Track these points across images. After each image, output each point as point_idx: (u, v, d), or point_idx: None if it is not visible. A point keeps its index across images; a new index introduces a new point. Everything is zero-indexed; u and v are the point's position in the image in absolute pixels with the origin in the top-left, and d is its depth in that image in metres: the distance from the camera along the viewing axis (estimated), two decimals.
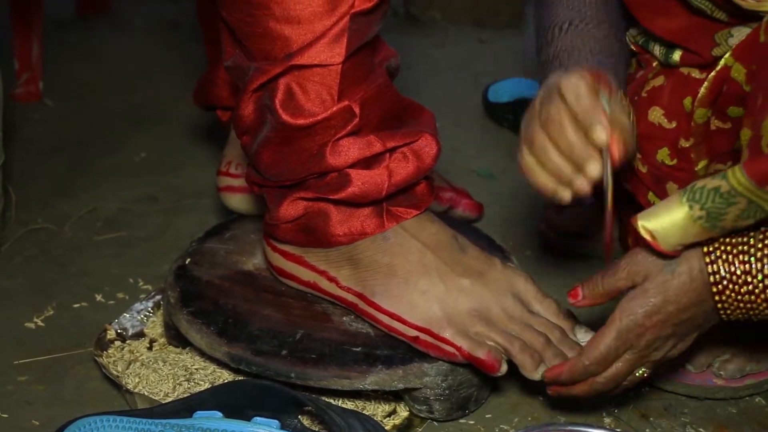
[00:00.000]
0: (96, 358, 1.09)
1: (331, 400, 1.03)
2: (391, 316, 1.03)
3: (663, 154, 1.09)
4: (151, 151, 1.71)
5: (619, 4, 1.13)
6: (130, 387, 1.05)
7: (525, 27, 2.28)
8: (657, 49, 1.10)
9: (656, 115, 1.08)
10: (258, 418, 0.95)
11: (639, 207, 1.09)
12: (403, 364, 1.01)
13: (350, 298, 1.06)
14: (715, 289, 0.89)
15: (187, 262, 1.15)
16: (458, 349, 0.99)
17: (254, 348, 1.03)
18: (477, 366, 0.99)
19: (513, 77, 1.88)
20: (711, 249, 0.89)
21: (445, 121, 1.71)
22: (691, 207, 0.87)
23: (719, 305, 0.90)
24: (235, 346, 1.03)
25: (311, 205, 1.04)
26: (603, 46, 1.08)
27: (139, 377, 1.06)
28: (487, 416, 1.05)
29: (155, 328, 1.16)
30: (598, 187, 1.13)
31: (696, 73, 1.06)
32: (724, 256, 0.89)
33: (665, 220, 0.88)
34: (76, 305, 1.24)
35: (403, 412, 1.04)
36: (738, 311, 0.90)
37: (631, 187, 1.15)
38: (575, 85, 0.92)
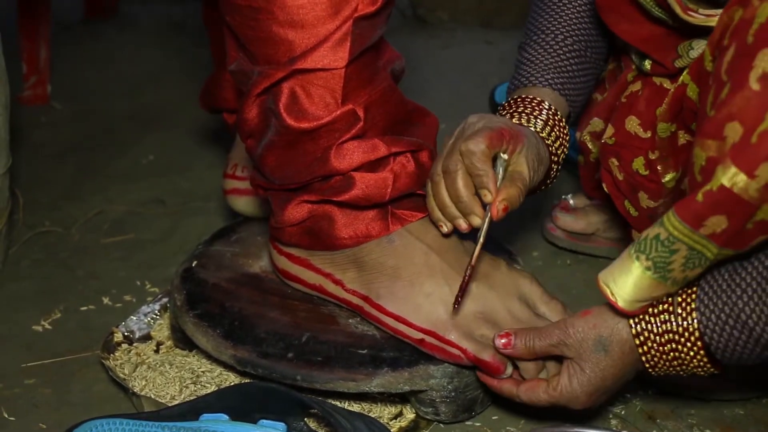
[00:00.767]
0: (103, 360, 1.10)
1: (337, 403, 1.03)
2: (397, 318, 1.03)
3: (638, 164, 1.09)
4: (158, 153, 1.71)
5: (599, 19, 1.14)
6: (136, 390, 1.05)
7: None
8: (633, 56, 1.11)
9: (632, 124, 1.09)
10: (264, 421, 0.95)
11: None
12: (409, 366, 1.01)
13: (356, 300, 1.06)
14: (637, 341, 0.91)
15: (193, 265, 1.15)
16: (464, 351, 0.99)
17: (260, 351, 1.03)
18: (482, 368, 0.99)
19: None
20: (637, 320, 0.91)
21: (452, 123, 1.70)
22: (638, 258, 0.87)
23: (644, 359, 0.92)
24: (241, 349, 1.03)
25: (316, 208, 1.04)
26: (561, 65, 1.13)
27: (146, 380, 1.07)
28: (493, 418, 1.05)
29: (162, 330, 1.16)
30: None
31: (667, 83, 1.06)
32: (647, 317, 0.90)
33: (619, 274, 0.89)
34: (83, 308, 1.24)
35: (409, 415, 1.04)
36: (663, 365, 0.92)
37: (610, 194, 1.15)
38: (471, 152, 0.97)
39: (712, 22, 0.96)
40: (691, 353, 0.89)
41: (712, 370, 0.91)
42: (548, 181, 1.11)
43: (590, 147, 1.20)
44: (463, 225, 1.01)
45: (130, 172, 1.65)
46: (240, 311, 1.08)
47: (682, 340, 0.89)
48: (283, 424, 0.95)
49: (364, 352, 1.02)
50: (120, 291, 1.28)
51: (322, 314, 1.08)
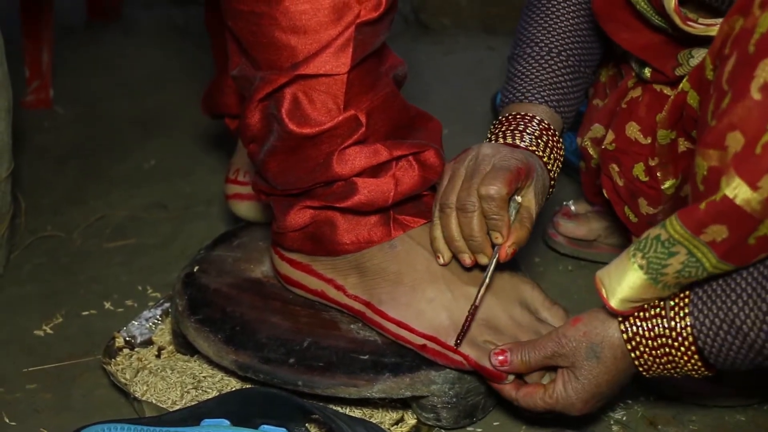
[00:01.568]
0: (104, 365, 1.10)
1: (339, 408, 1.03)
2: (399, 324, 1.03)
3: (638, 170, 1.09)
4: (160, 158, 1.71)
5: (594, 31, 1.14)
6: (138, 395, 1.05)
7: None
8: (633, 63, 1.11)
9: (633, 130, 1.09)
10: (265, 427, 0.95)
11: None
12: (411, 371, 1.01)
13: (357, 306, 1.06)
14: (629, 346, 0.91)
15: (195, 270, 1.15)
16: (465, 357, 0.99)
17: (262, 356, 1.03)
18: (484, 375, 0.99)
19: None
20: (628, 324, 0.91)
21: (454, 128, 1.72)
22: (634, 255, 0.87)
23: (637, 363, 0.92)
24: (243, 354, 1.03)
25: (318, 213, 1.04)
26: (553, 80, 1.12)
27: (147, 385, 1.07)
28: (494, 424, 1.05)
29: (164, 335, 1.16)
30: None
31: (667, 91, 1.06)
32: (638, 322, 0.90)
33: (615, 272, 0.89)
34: (84, 313, 1.25)
35: (410, 420, 1.04)
36: (657, 368, 0.92)
37: (610, 200, 1.15)
38: (491, 198, 0.98)
39: (712, 31, 0.97)
40: (685, 357, 0.89)
41: (706, 372, 0.91)
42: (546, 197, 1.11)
43: (591, 153, 1.20)
44: (468, 261, 1.03)
45: (132, 176, 1.65)
46: (241, 316, 1.08)
47: (676, 344, 0.89)
48: (284, 429, 0.95)
49: (366, 357, 1.02)
50: (122, 296, 1.28)
51: (324, 320, 1.08)
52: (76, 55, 2.20)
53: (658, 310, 0.90)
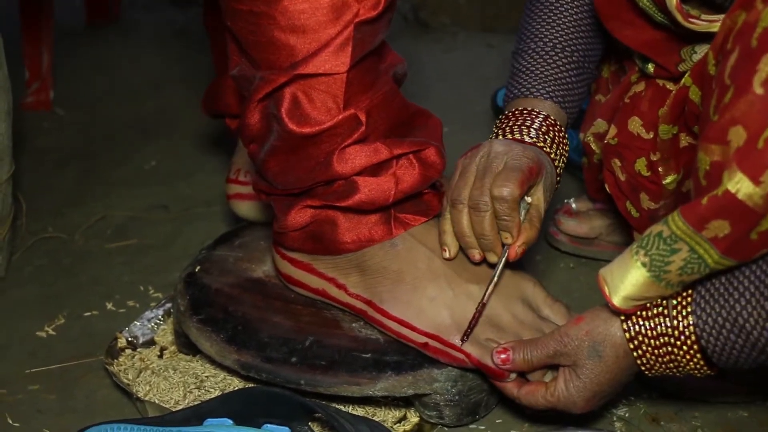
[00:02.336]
0: (107, 366, 1.10)
1: (341, 407, 1.03)
2: (400, 322, 1.03)
3: (641, 164, 1.09)
4: (161, 159, 1.71)
5: (596, 26, 1.14)
6: (140, 395, 1.05)
7: None
8: (636, 59, 1.11)
9: (635, 124, 1.09)
10: (268, 425, 0.95)
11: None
12: (413, 370, 1.01)
13: (359, 305, 1.06)
14: (632, 345, 0.91)
15: (196, 270, 1.15)
16: (467, 355, 1.00)
17: (264, 355, 1.03)
18: (486, 373, 0.99)
19: None
20: (628, 316, 0.91)
21: (454, 126, 1.72)
22: (637, 253, 0.87)
23: (639, 362, 0.92)
24: (245, 354, 1.03)
25: (319, 212, 1.04)
26: (559, 75, 1.13)
27: (150, 385, 1.07)
28: (497, 421, 1.05)
29: (166, 335, 1.16)
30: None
31: (670, 85, 1.06)
32: (640, 321, 0.90)
33: (618, 270, 0.89)
34: (86, 314, 1.25)
35: (413, 418, 1.04)
36: (659, 368, 0.92)
37: (612, 194, 1.15)
38: (504, 199, 0.99)
39: (715, 27, 0.96)
40: (687, 356, 0.89)
41: (708, 372, 0.91)
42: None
43: (594, 148, 1.20)
44: (477, 257, 1.04)
45: (133, 177, 1.65)
46: (243, 316, 1.08)
47: (678, 343, 0.89)
48: (287, 428, 0.95)
49: (368, 356, 1.02)
50: (123, 296, 1.28)
51: (326, 318, 1.09)
52: (76, 57, 2.20)
53: (660, 309, 0.89)
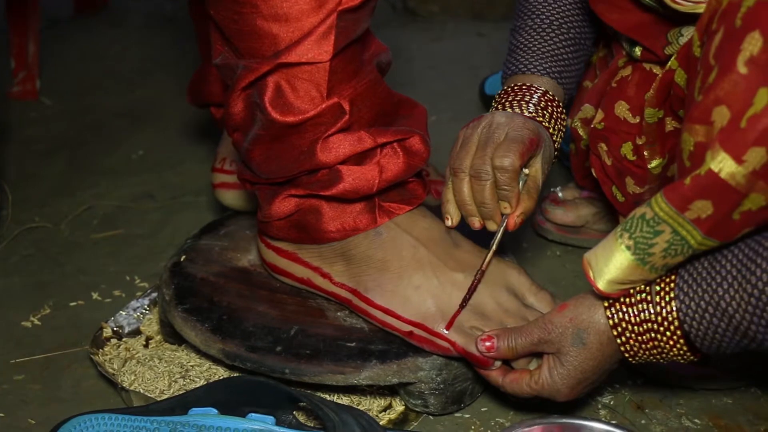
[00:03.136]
0: (92, 356, 1.10)
1: (326, 396, 1.03)
2: (385, 311, 1.03)
3: (627, 149, 1.10)
4: (148, 149, 1.71)
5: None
6: (125, 385, 1.05)
7: None
8: (623, 43, 1.11)
9: (622, 109, 1.09)
10: (253, 415, 0.95)
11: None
12: (398, 358, 1.01)
13: (344, 294, 1.06)
14: (615, 332, 0.91)
15: (182, 260, 1.15)
16: (452, 344, 1.00)
17: (249, 344, 1.03)
18: (471, 361, 0.99)
19: None
20: (612, 303, 0.91)
21: (442, 115, 1.72)
22: (621, 236, 0.87)
23: (623, 348, 0.92)
24: (230, 343, 1.03)
25: (303, 201, 1.04)
26: (556, 52, 1.14)
27: (135, 375, 1.07)
28: (482, 410, 1.05)
29: (151, 325, 1.16)
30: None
31: (657, 69, 1.06)
32: (624, 308, 0.90)
33: (602, 253, 0.89)
34: (72, 303, 1.24)
35: (398, 407, 1.04)
36: (643, 354, 0.92)
37: (598, 179, 1.15)
38: (505, 169, 1.00)
39: (700, 9, 0.96)
40: (671, 342, 0.89)
41: (692, 357, 0.91)
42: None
43: (581, 133, 1.20)
44: (477, 225, 1.04)
45: (119, 167, 1.64)
46: (228, 305, 1.08)
47: (661, 329, 0.89)
48: (271, 417, 0.95)
49: (353, 345, 1.02)
50: (109, 286, 1.28)
51: (311, 308, 1.09)
52: (63, 46, 2.19)
53: (644, 295, 0.90)
